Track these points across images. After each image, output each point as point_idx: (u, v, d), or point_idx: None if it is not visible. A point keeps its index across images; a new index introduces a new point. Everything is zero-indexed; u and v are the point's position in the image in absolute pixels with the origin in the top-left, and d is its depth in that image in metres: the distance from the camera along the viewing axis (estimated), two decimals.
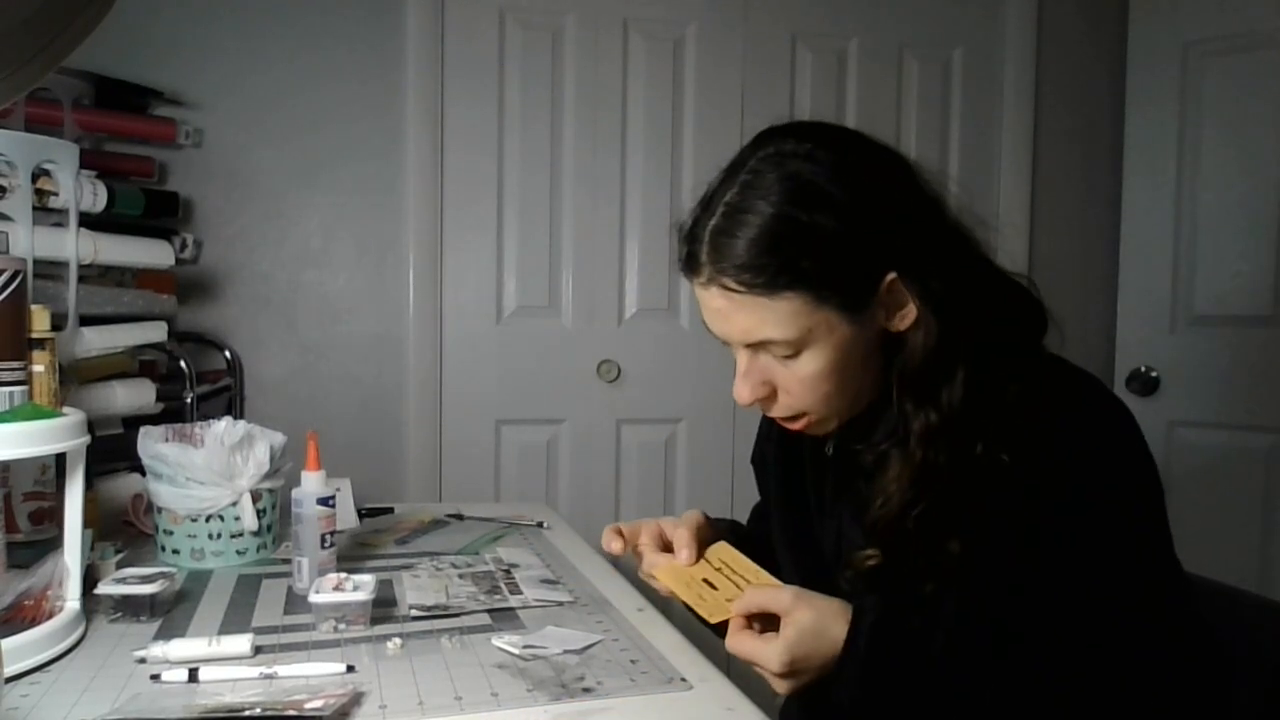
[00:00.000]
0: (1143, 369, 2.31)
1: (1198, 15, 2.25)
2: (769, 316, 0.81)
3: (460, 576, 1.18)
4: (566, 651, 0.92)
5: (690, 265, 0.85)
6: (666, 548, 0.98)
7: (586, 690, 0.83)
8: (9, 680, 0.82)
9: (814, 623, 0.79)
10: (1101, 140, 2.49)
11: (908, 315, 0.83)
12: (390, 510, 1.56)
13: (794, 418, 0.89)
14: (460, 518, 1.52)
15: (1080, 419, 0.83)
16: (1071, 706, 0.78)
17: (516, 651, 0.92)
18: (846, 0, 2.40)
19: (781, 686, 0.81)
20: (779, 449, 1.05)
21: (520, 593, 1.11)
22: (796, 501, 1.02)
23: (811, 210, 0.79)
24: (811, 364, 0.83)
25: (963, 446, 0.82)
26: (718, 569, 0.93)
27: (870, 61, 2.41)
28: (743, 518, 1.21)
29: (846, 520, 0.93)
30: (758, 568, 0.91)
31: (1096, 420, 0.83)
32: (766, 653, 0.79)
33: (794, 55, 2.38)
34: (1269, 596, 1.02)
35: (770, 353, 0.84)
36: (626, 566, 1.08)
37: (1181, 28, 2.27)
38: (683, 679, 0.87)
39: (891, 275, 0.81)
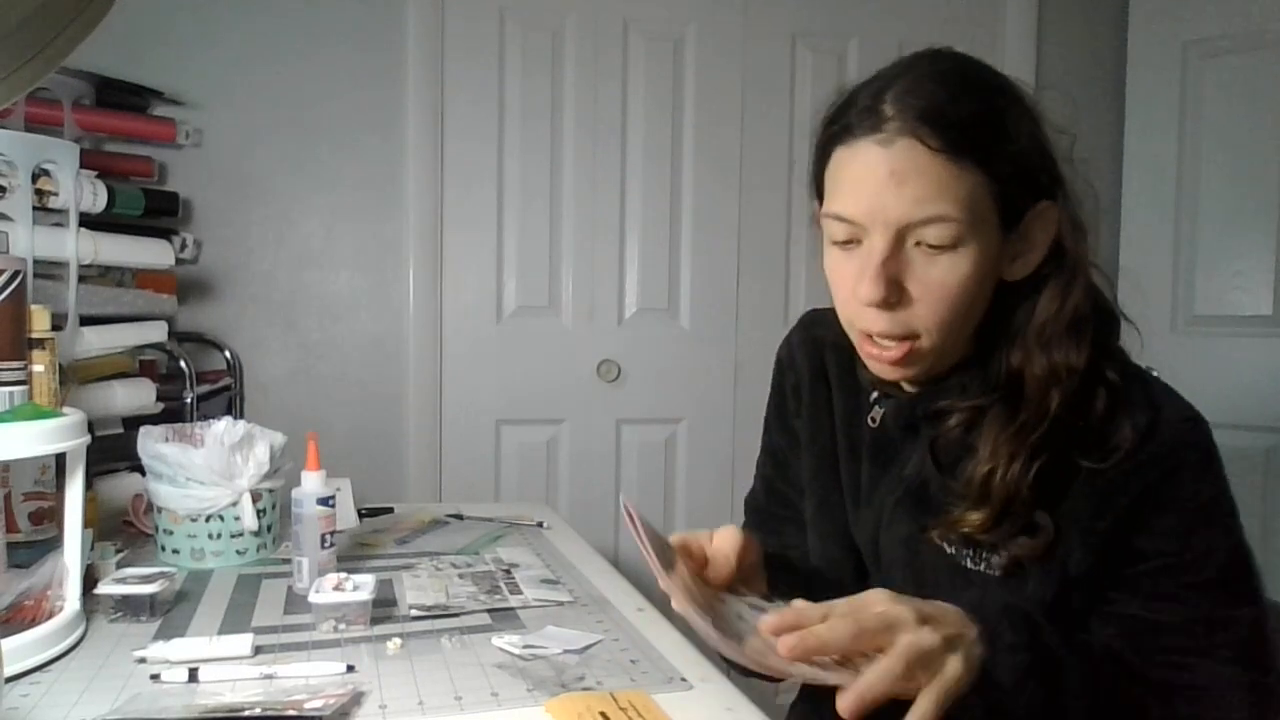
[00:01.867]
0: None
1: (1198, 15, 2.25)
2: (952, 187, 0.73)
3: (460, 576, 1.18)
4: (566, 651, 0.92)
5: (872, 119, 0.75)
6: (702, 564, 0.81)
7: (587, 690, 0.83)
8: (9, 680, 0.82)
9: (941, 623, 0.69)
10: (1101, 140, 2.49)
11: (1030, 260, 0.79)
12: (390, 510, 1.56)
13: (902, 339, 0.79)
14: (460, 518, 1.52)
15: (1177, 408, 0.80)
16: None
17: (516, 651, 0.92)
18: (846, 0, 2.40)
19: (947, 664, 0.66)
20: (811, 430, 0.99)
21: (520, 593, 1.11)
22: (829, 489, 0.97)
23: (1017, 111, 0.77)
24: (962, 265, 0.75)
25: (1075, 411, 0.77)
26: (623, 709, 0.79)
27: (870, 61, 2.36)
28: (742, 518, 1.20)
29: (890, 508, 0.88)
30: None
31: (1193, 414, 0.80)
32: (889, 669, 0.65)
33: (794, 55, 2.38)
34: (1269, 597, 1.01)
35: (926, 240, 0.75)
36: (626, 566, 1.08)
37: (1181, 28, 2.27)
38: (683, 679, 0.86)
39: (1045, 203, 0.78)
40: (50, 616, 0.92)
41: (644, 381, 2.35)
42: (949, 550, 0.83)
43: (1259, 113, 2.19)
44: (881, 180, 0.75)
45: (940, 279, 0.76)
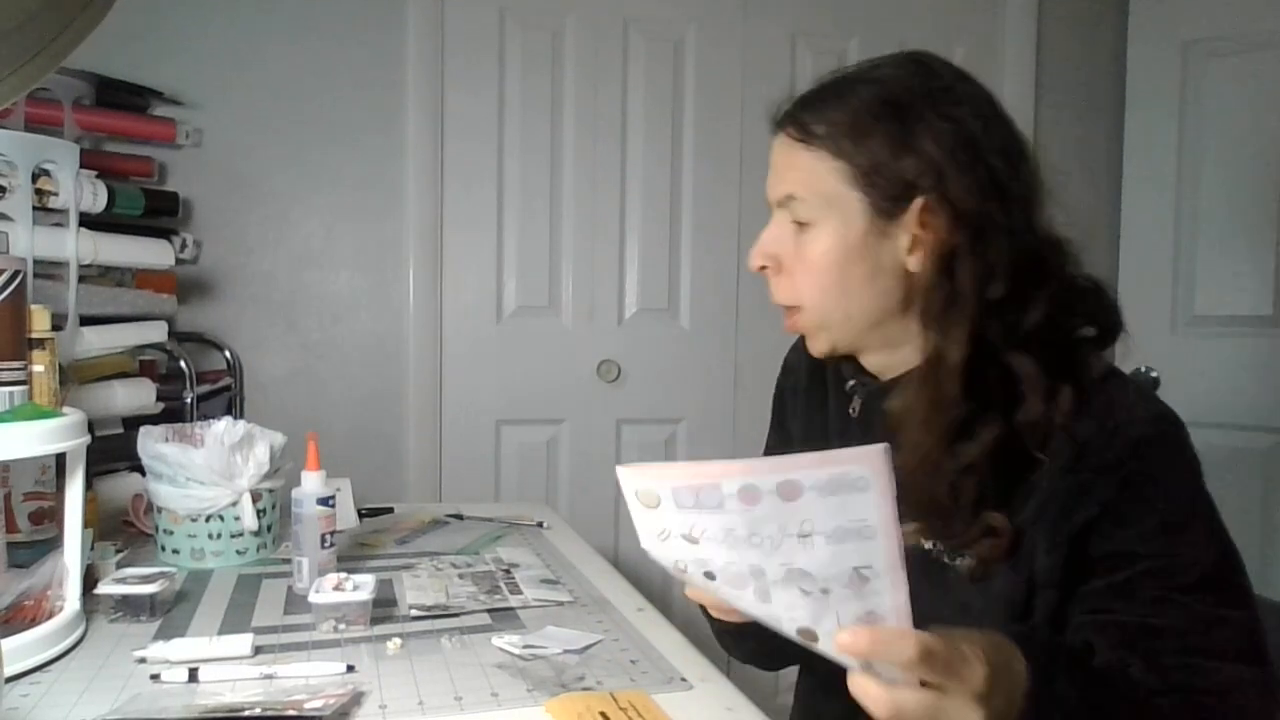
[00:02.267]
0: (1143, 369, 2.31)
1: (1198, 15, 2.25)
2: (804, 171, 0.85)
3: (460, 576, 1.18)
4: (566, 651, 0.92)
5: (778, 118, 0.89)
6: None
7: (587, 690, 0.83)
8: (9, 680, 0.82)
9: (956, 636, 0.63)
10: (1101, 140, 2.49)
11: (928, 254, 0.82)
12: (390, 510, 1.56)
13: (789, 308, 0.89)
14: (460, 518, 1.52)
15: (1149, 408, 0.81)
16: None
17: (516, 651, 0.92)
18: (846, 0, 2.40)
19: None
20: (804, 430, 1.02)
21: (520, 593, 1.11)
22: None
23: (884, 106, 0.83)
24: (820, 241, 0.85)
25: (998, 397, 0.79)
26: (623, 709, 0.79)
27: None
28: None
29: None
30: None
31: (1166, 414, 0.81)
32: (899, 641, 0.58)
33: (794, 55, 2.38)
34: (1269, 597, 1.01)
35: (792, 215, 0.86)
36: (626, 567, 1.08)
37: (1181, 28, 2.27)
38: (683, 679, 0.87)
39: (923, 199, 0.81)
40: (50, 616, 0.92)
41: (644, 381, 2.34)
42: (925, 545, 0.83)
43: (1259, 113, 2.18)
44: (771, 168, 0.90)
45: (803, 251, 0.86)
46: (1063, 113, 2.51)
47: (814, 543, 0.57)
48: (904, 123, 0.82)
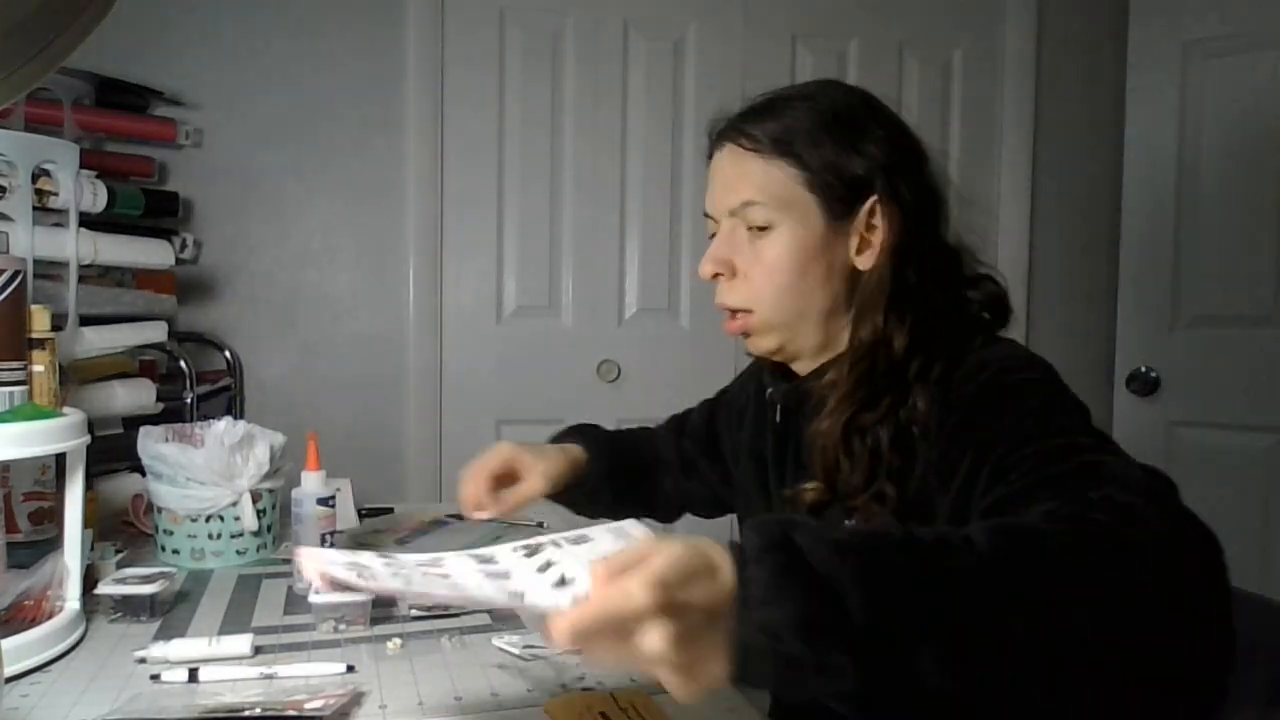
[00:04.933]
0: (1143, 369, 2.31)
1: (1198, 15, 2.25)
2: (759, 178, 0.89)
3: None
4: (566, 651, 0.92)
5: (716, 133, 0.95)
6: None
7: (587, 690, 0.83)
8: (9, 680, 0.82)
9: (690, 546, 0.53)
10: (1101, 140, 2.49)
11: (875, 251, 0.88)
12: (390, 510, 1.56)
13: (738, 313, 0.92)
14: (460, 518, 1.52)
15: (1001, 348, 0.86)
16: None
17: (516, 651, 0.92)
18: (846, 0, 2.40)
19: (655, 639, 0.50)
20: (752, 441, 1.06)
21: None
22: (756, 492, 1.04)
23: (828, 118, 0.89)
24: (778, 244, 0.89)
25: (899, 374, 0.84)
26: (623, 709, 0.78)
27: (870, 61, 2.41)
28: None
29: (790, 485, 0.93)
30: None
31: (1018, 348, 0.87)
32: (628, 584, 0.50)
33: (794, 55, 2.38)
34: (1269, 596, 1.01)
35: (747, 220, 0.90)
36: None
37: (1181, 28, 2.27)
38: None
39: (874, 198, 0.88)
40: (50, 616, 0.92)
41: (644, 381, 2.34)
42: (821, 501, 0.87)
43: (1259, 113, 2.18)
44: (716, 180, 0.94)
45: (760, 255, 0.90)
46: (1063, 113, 2.51)
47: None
48: (850, 130, 0.89)
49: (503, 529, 1.45)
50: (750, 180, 0.89)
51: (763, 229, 0.89)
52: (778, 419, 0.99)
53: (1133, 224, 2.38)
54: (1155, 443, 2.25)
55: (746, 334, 0.94)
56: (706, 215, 0.96)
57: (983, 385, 0.80)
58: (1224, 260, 2.24)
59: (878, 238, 0.88)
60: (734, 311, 0.93)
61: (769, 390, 1.01)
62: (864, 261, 0.89)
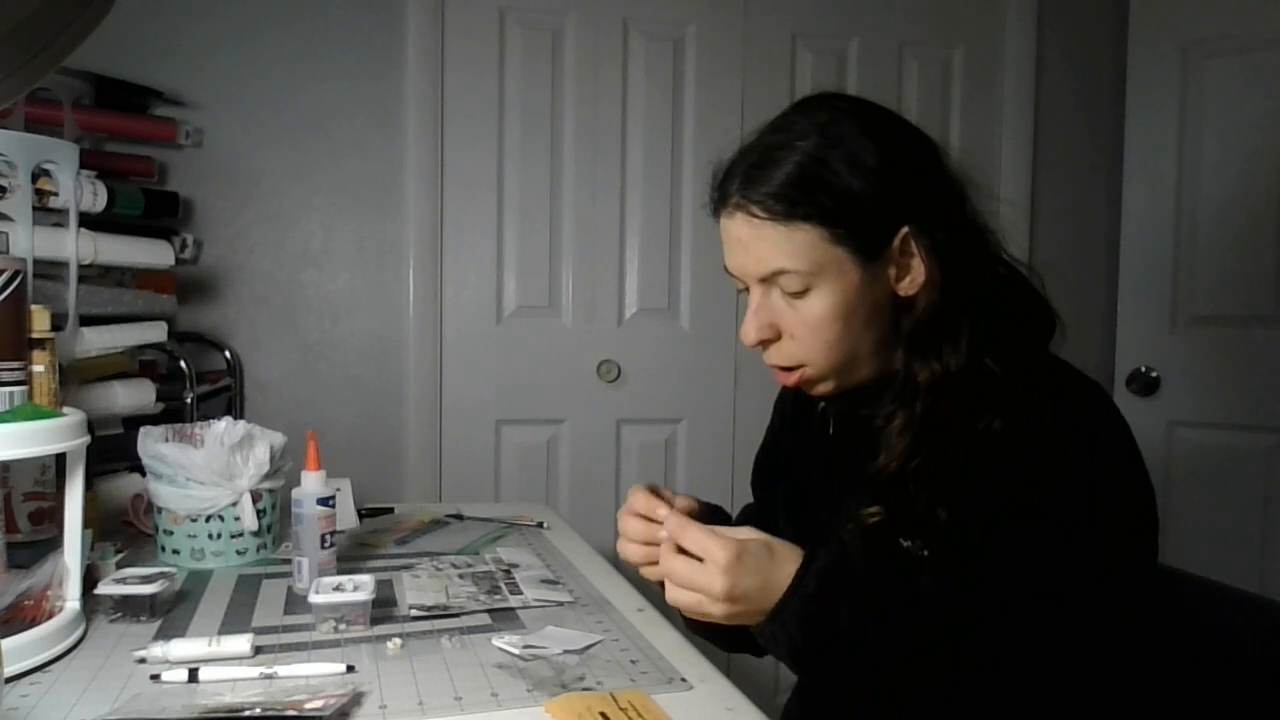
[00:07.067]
0: (1143, 369, 2.31)
1: (1198, 15, 2.25)
2: (785, 246, 0.85)
3: (460, 576, 1.18)
4: (566, 651, 0.92)
5: (720, 197, 0.90)
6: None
7: (587, 690, 0.83)
8: (9, 680, 0.82)
9: (764, 548, 0.80)
10: (1101, 140, 2.49)
11: (916, 278, 0.87)
12: (390, 510, 1.56)
13: (792, 369, 0.91)
14: (460, 518, 1.52)
15: (1083, 409, 0.85)
16: (1020, 679, 0.79)
17: (516, 651, 0.92)
18: (846, 0, 2.40)
19: (718, 610, 0.79)
20: (790, 451, 1.07)
21: (520, 593, 1.11)
22: (803, 498, 1.03)
23: (840, 156, 0.84)
24: (819, 304, 0.86)
25: (964, 410, 0.84)
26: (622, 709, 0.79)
27: (870, 61, 2.41)
28: (741, 520, 1.20)
29: (846, 503, 0.93)
30: None
31: (1097, 413, 0.85)
32: (708, 569, 0.78)
33: (794, 55, 2.38)
34: (1269, 596, 1.01)
35: (782, 287, 0.87)
36: (626, 567, 1.08)
37: (1181, 28, 2.27)
38: (683, 679, 0.87)
39: (905, 229, 0.85)
40: (50, 616, 0.92)
41: (644, 381, 2.34)
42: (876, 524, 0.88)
43: (1259, 113, 2.18)
44: (735, 243, 0.89)
45: (805, 317, 0.87)
46: (1063, 113, 2.51)
47: None
48: (854, 162, 0.84)
49: (504, 529, 1.45)
50: (775, 249, 0.86)
51: (797, 294, 0.87)
52: (830, 431, 1.00)
53: (1133, 224, 2.38)
54: (1155, 443, 2.25)
55: (801, 386, 0.93)
56: (727, 272, 0.92)
57: (1074, 466, 0.81)
58: (1223, 260, 2.24)
59: (915, 263, 0.86)
60: (787, 369, 0.92)
61: (821, 405, 1.00)
62: (907, 288, 0.87)
